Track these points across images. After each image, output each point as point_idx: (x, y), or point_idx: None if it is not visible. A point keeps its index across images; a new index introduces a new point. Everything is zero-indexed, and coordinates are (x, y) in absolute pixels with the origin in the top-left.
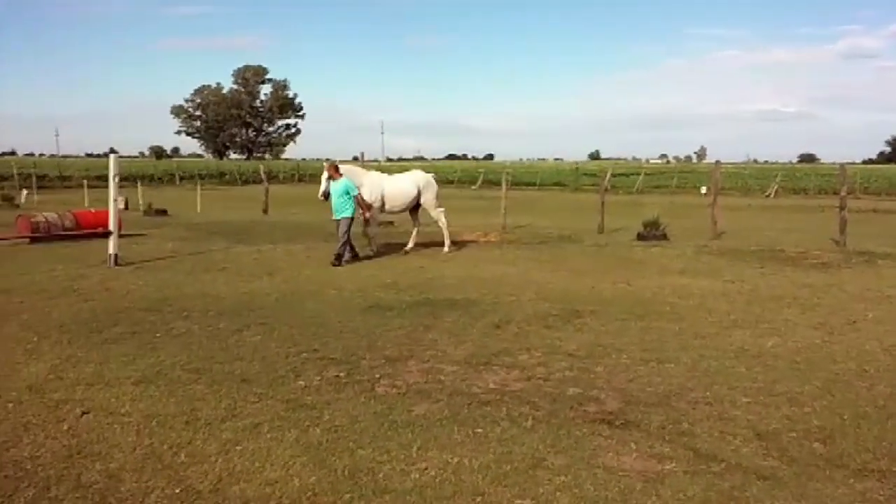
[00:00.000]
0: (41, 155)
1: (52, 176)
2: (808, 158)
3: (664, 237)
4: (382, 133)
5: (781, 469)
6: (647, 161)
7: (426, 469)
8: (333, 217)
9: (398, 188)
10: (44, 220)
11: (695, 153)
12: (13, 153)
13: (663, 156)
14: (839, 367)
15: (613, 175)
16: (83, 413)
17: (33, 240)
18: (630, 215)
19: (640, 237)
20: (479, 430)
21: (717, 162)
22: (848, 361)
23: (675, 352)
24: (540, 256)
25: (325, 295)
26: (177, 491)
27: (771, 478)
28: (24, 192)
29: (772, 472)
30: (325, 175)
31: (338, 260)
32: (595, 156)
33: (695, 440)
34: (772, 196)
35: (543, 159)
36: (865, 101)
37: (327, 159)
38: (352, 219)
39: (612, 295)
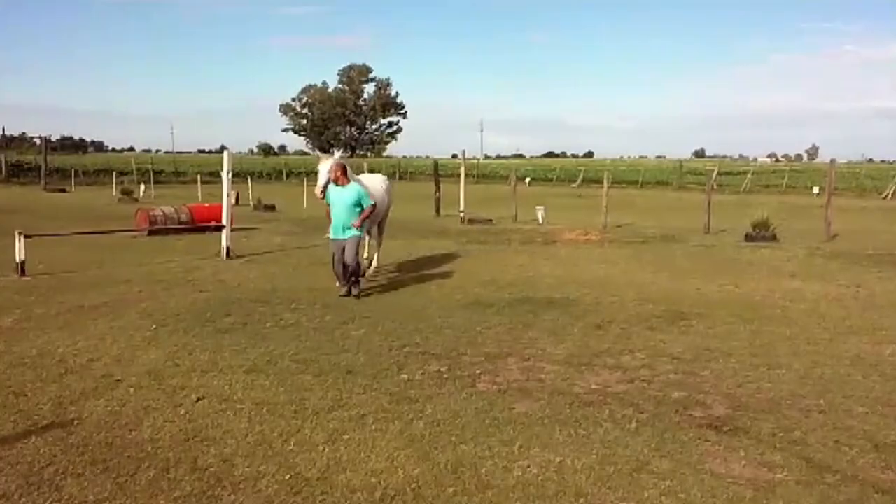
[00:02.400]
0: (157, 151)
1: (168, 171)
2: None
3: (774, 238)
4: (482, 131)
5: None
6: (755, 159)
7: (528, 467)
8: (333, 236)
9: (379, 194)
10: (161, 213)
11: (806, 152)
12: (131, 149)
13: (772, 154)
14: None
15: (719, 174)
16: (198, 399)
17: (151, 232)
18: (737, 215)
19: (748, 238)
20: (582, 431)
21: (832, 161)
22: None
23: (786, 357)
24: (642, 256)
25: (426, 291)
26: (286, 477)
27: (890, 492)
28: (142, 186)
29: (891, 485)
30: (323, 166)
31: (353, 284)
32: (700, 154)
33: (807, 449)
34: (889, 197)
35: (645, 157)
36: None
37: (325, 150)
38: (360, 239)
39: (718, 297)
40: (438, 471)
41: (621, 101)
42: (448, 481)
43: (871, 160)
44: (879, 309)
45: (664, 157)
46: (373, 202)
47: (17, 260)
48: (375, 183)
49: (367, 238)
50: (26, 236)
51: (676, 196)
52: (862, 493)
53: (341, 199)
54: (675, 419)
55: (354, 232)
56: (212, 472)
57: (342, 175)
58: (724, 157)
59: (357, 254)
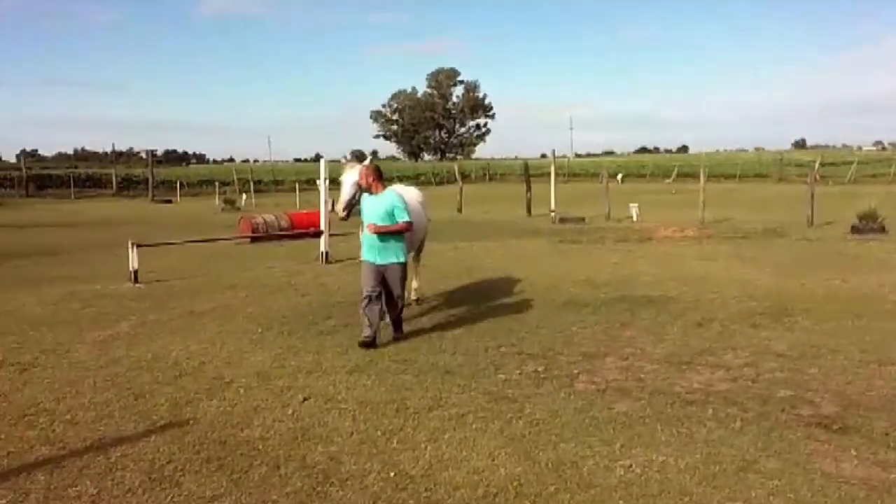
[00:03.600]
0: (255, 161)
1: (267, 181)
2: None
3: (882, 230)
4: (571, 129)
5: None
6: (860, 148)
7: (631, 466)
8: (369, 260)
9: (417, 210)
10: (262, 220)
11: None
12: (231, 160)
13: (878, 142)
14: None
15: (822, 164)
16: (304, 399)
17: (254, 239)
18: (842, 207)
19: (854, 230)
20: (684, 430)
21: None
22: None
23: None
24: (743, 252)
25: (520, 291)
26: (391, 474)
27: None
28: (244, 196)
29: None
30: (349, 177)
31: (395, 325)
32: (800, 144)
33: None
34: None
35: (743, 150)
36: None
37: (352, 155)
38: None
39: (825, 292)
40: (540, 469)
41: (716, 93)
42: (550, 479)
43: None
44: None
45: (763, 148)
46: (408, 218)
47: (131, 269)
48: (411, 197)
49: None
50: (138, 246)
51: (777, 189)
52: None
53: (376, 210)
54: (782, 418)
55: (398, 256)
56: (320, 468)
57: (376, 181)
58: (827, 146)
59: (403, 286)
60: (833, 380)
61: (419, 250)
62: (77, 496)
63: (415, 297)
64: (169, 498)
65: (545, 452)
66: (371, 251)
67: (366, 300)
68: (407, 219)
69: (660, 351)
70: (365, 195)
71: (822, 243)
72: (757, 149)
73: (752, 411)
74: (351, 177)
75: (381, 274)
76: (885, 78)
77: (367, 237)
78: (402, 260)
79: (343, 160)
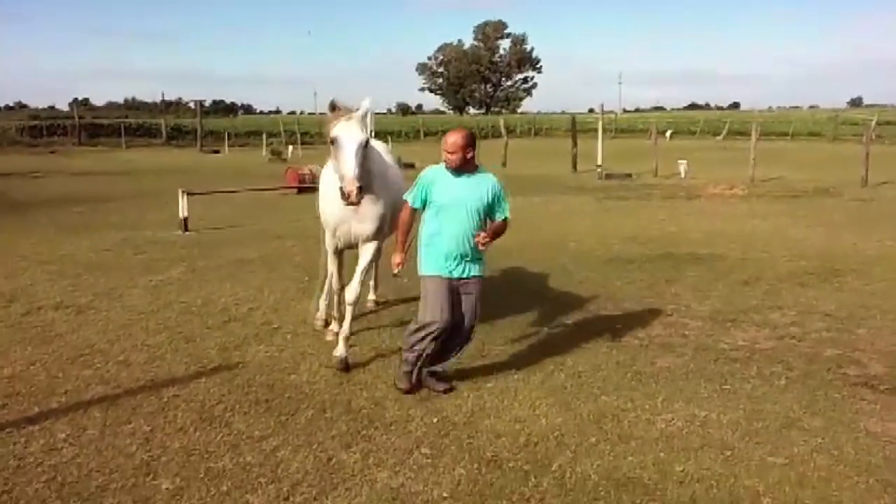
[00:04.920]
0: (301, 113)
1: (313, 133)
2: None
3: None
4: (620, 83)
5: None
6: None
7: (672, 420)
8: (442, 273)
9: (397, 175)
10: (308, 172)
11: None
12: (278, 112)
13: None
14: None
15: (878, 123)
16: (350, 346)
17: (300, 190)
18: None
19: None
20: (727, 387)
21: None
22: None
23: None
24: (794, 211)
25: (564, 246)
26: (434, 420)
27: None
28: (290, 147)
29: None
30: (350, 135)
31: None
32: (856, 102)
33: None
34: None
35: (797, 107)
36: None
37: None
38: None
39: (877, 253)
40: (580, 420)
41: (769, 49)
42: (590, 431)
43: None
44: None
45: (817, 106)
46: (508, 213)
47: (181, 216)
48: (386, 156)
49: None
50: (189, 194)
51: (831, 148)
52: None
53: (471, 198)
54: (828, 377)
55: (482, 265)
56: (364, 413)
57: (466, 148)
58: (885, 105)
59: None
60: (882, 340)
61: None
62: (132, 433)
63: (374, 298)
64: (219, 437)
65: (586, 404)
66: (446, 259)
67: (428, 335)
68: (508, 214)
69: (705, 308)
70: (441, 172)
71: (876, 204)
72: (811, 107)
73: (796, 370)
74: (354, 136)
75: (457, 293)
76: None
77: (439, 236)
78: (483, 267)
79: (332, 111)
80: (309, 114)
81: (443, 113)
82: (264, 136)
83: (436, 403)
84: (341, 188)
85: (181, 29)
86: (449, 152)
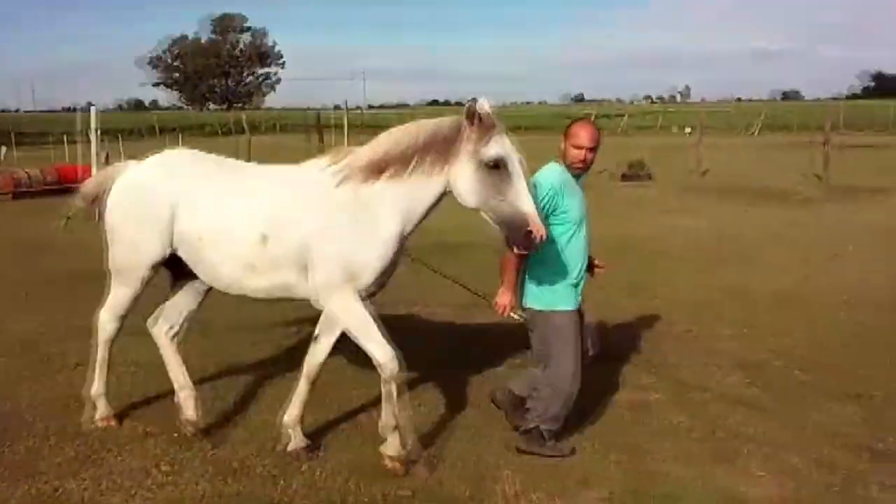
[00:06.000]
0: (16, 111)
1: (32, 132)
2: (791, 95)
3: (649, 178)
4: (364, 79)
5: (764, 398)
6: (632, 102)
7: (420, 405)
8: (572, 307)
9: None
10: (26, 175)
11: (679, 93)
12: None
13: (647, 96)
14: (827, 299)
15: (598, 117)
16: (77, 364)
17: (15, 195)
18: (616, 157)
19: (624, 178)
20: None
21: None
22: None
23: (661, 287)
24: None
25: None
26: (174, 435)
27: (754, 406)
28: (3, 148)
29: (755, 400)
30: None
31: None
32: (579, 98)
33: (679, 372)
34: (756, 134)
35: (529, 103)
36: (849, 36)
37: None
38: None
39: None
40: (330, 416)
41: (504, 47)
42: (341, 425)
43: (739, 99)
44: (745, 240)
45: (546, 102)
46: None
47: None
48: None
49: None
50: None
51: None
52: (728, 409)
53: (582, 207)
54: None
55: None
56: (95, 436)
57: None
58: (603, 100)
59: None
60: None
61: None
62: None
63: None
64: None
65: (335, 399)
66: (576, 287)
67: (573, 392)
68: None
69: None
70: (562, 177)
71: (594, 189)
72: (541, 102)
73: None
74: (521, 157)
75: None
76: (655, 35)
77: (565, 257)
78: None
79: (475, 122)
80: (26, 112)
81: (181, 108)
82: None
83: (173, 419)
84: (515, 232)
85: None
86: (589, 148)
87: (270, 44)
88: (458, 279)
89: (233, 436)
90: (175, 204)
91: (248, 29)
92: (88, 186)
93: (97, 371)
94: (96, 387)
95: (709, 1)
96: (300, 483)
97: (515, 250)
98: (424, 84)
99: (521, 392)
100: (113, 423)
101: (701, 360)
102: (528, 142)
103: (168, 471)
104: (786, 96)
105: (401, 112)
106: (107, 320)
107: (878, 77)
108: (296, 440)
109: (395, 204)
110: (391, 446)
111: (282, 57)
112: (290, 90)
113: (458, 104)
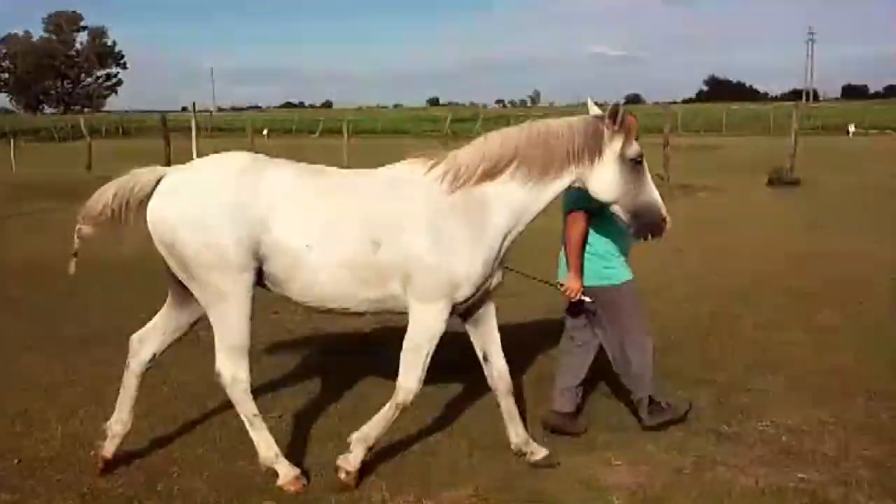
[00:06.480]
0: None
1: None
2: (633, 99)
3: None
4: (213, 80)
5: (617, 386)
6: (485, 106)
7: (280, 417)
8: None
9: None
10: None
11: (528, 97)
12: None
13: (499, 101)
14: (673, 292)
15: (453, 120)
16: None
17: None
18: None
19: None
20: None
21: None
22: (678, 286)
23: None
24: None
25: None
26: (15, 462)
27: (611, 395)
28: None
29: (612, 389)
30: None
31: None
32: (434, 101)
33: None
34: None
35: (384, 106)
36: (686, 42)
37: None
38: None
39: None
40: (188, 431)
41: (359, 49)
42: (196, 440)
43: (585, 104)
44: None
45: (402, 105)
46: None
47: None
48: None
49: None
50: None
51: (417, 144)
52: (587, 399)
53: None
54: None
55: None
56: None
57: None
58: (458, 104)
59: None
60: None
61: None
62: None
63: None
64: None
65: (189, 412)
66: (626, 257)
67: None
68: None
69: None
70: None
71: None
72: (396, 106)
73: None
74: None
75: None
76: (506, 41)
77: (618, 235)
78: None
79: (616, 122)
80: None
81: (11, 112)
82: None
83: (14, 442)
84: (651, 221)
85: None
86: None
87: (110, 43)
88: (537, 276)
89: (83, 458)
90: (268, 212)
91: (85, 28)
92: (98, 206)
93: (255, 431)
94: (264, 449)
95: (559, 7)
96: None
97: (646, 239)
98: (279, 85)
99: (563, 408)
100: (301, 484)
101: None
102: (386, 146)
103: (8, 499)
104: (634, 100)
105: (252, 114)
106: (235, 368)
107: (713, 81)
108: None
109: (509, 206)
110: (353, 459)
111: (123, 57)
112: (136, 92)
113: (312, 106)
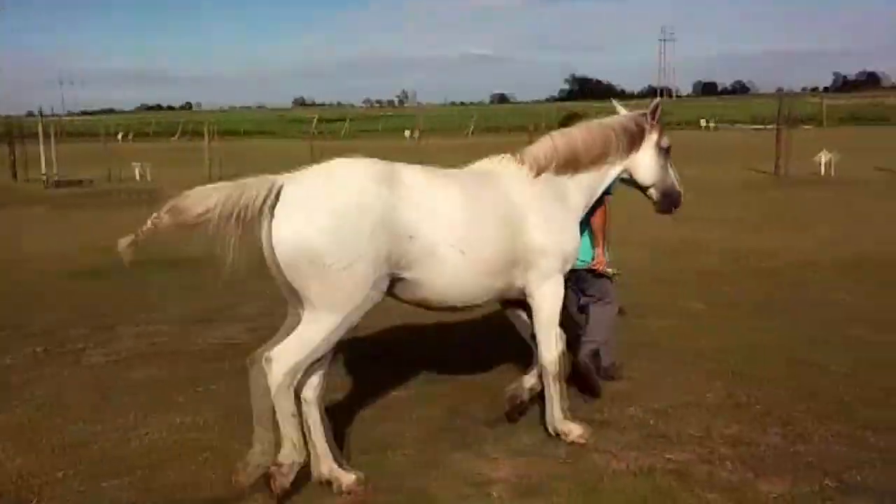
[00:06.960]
0: None
1: None
2: (501, 98)
3: None
4: (61, 83)
5: (492, 380)
6: (353, 106)
7: (147, 434)
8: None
9: None
10: None
11: (397, 97)
12: None
13: (367, 100)
14: None
15: (321, 121)
16: None
17: None
18: None
19: None
20: (201, 389)
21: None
22: None
23: None
24: None
25: (24, 263)
26: None
27: (488, 389)
28: None
29: (488, 383)
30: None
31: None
32: (301, 102)
33: (418, 363)
34: (470, 135)
35: (248, 108)
36: (554, 42)
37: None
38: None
39: None
40: (46, 456)
41: (222, 51)
42: (59, 464)
43: (453, 103)
44: None
45: (265, 106)
46: None
47: None
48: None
49: None
50: None
51: (282, 145)
52: (466, 396)
53: None
54: None
55: None
56: None
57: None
58: (325, 104)
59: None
60: None
61: None
62: None
63: None
64: None
65: (51, 438)
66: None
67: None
68: None
69: (179, 311)
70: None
71: None
72: (259, 107)
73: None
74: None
75: None
76: (374, 41)
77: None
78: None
79: (655, 118)
80: None
81: None
82: None
83: None
84: (675, 199)
85: None
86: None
87: None
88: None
89: None
90: (416, 218)
91: None
92: (197, 209)
93: (313, 438)
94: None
95: (426, 7)
96: None
97: (670, 212)
98: (136, 88)
99: (604, 362)
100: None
101: (436, 350)
102: (250, 147)
103: None
104: (501, 99)
105: (106, 118)
106: (290, 374)
107: (579, 80)
108: (574, 428)
109: (584, 191)
110: (575, 429)
111: None
112: None
113: (171, 108)
